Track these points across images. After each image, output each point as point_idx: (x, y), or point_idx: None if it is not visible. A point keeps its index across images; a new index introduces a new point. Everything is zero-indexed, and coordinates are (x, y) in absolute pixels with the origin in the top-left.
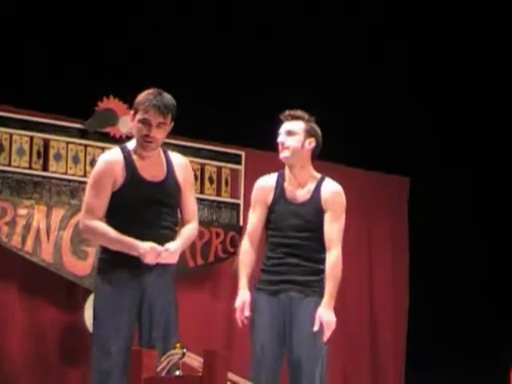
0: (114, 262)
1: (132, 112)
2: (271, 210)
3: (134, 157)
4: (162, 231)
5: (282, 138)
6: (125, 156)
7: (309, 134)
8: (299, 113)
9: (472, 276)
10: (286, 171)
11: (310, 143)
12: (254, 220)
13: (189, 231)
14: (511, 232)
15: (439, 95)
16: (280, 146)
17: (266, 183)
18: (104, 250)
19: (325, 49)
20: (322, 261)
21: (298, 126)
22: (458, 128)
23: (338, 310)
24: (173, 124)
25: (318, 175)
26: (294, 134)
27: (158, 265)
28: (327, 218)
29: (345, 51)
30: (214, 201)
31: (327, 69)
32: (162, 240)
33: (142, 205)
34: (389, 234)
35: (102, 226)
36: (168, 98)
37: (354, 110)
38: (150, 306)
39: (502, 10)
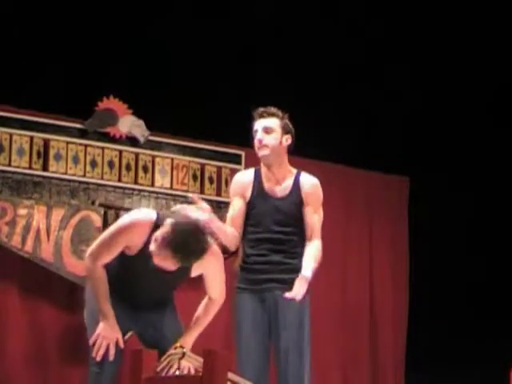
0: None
1: (155, 237)
2: (251, 205)
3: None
4: (154, 302)
5: (260, 135)
6: (151, 230)
7: (285, 130)
8: (273, 110)
9: (472, 276)
10: (263, 169)
11: (287, 140)
12: (232, 212)
13: (208, 317)
14: (511, 230)
15: (439, 95)
16: (258, 144)
17: (244, 178)
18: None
19: (324, 49)
20: (302, 256)
21: (275, 123)
22: (458, 128)
23: (338, 309)
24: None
25: (294, 170)
26: (272, 132)
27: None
28: (308, 210)
29: (344, 51)
30: (214, 201)
31: (327, 69)
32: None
33: (145, 284)
34: (389, 234)
35: (103, 282)
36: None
37: (354, 110)
38: (147, 323)
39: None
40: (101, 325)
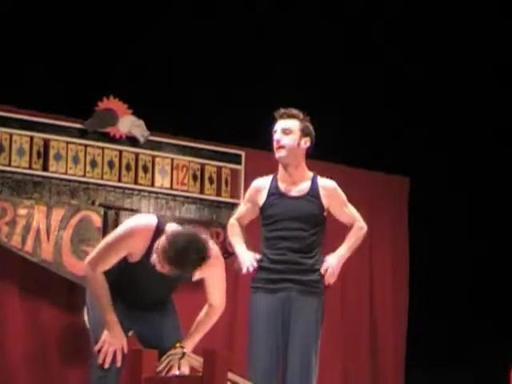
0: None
1: (157, 243)
2: (266, 206)
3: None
4: (156, 305)
5: (278, 136)
6: (154, 236)
7: (304, 132)
8: (294, 111)
9: (472, 275)
10: (280, 170)
11: (306, 142)
12: (243, 210)
13: (208, 325)
14: (511, 231)
15: (439, 95)
16: (276, 144)
17: (261, 183)
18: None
19: (324, 49)
20: (318, 258)
21: (294, 125)
22: (459, 128)
23: (338, 310)
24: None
25: (311, 173)
26: (290, 133)
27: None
28: (337, 207)
29: (344, 51)
30: (213, 201)
31: (327, 69)
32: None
33: (147, 287)
34: (389, 234)
35: (105, 289)
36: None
37: (355, 110)
38: (147, 324)
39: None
40: (106, 332)
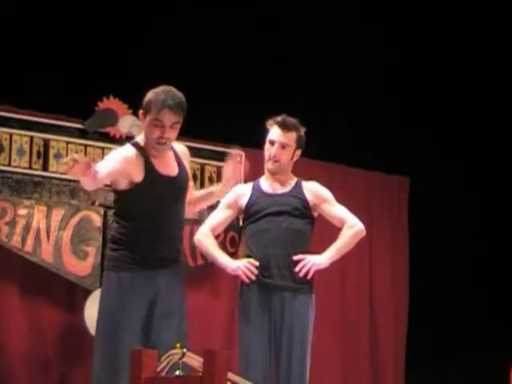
0: (125, 261)
1: (142, 111)
2: (251, 204)
3: (149, 154)
4: (177, 228)
5: (275, 150)
6: (140, 154)
7: (298, 145)
8: (294, 123)
9: (472, 275)
10: (266, 173)
11: (297, 155)
12: (222, 216)
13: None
14: (511, 231)
15: (439, 95)
16: (272, 157)
17: (243, 188)
18: (115, 249)
19: (324, 49)
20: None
21: (291, 138)
22: (459, 127)
23: (338, 310)
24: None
25: (295, 178)
26: (287, 148)
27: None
28: (327, 206)
29: (343, 52)
30: None
31: (327, 69)
32: (174, 239)
33: (162, 201)
34: (389, 233)
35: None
36: (180, 96)
37: (354, 110)
38: (162, 309)
39: None
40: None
